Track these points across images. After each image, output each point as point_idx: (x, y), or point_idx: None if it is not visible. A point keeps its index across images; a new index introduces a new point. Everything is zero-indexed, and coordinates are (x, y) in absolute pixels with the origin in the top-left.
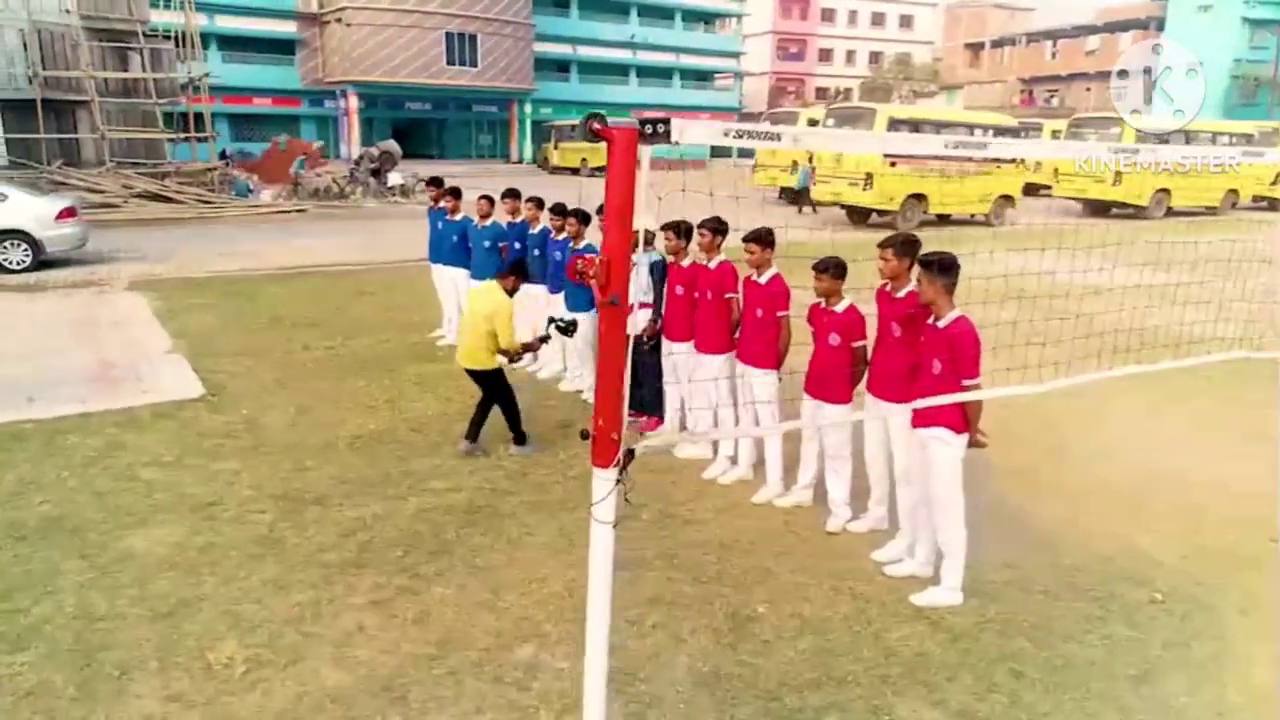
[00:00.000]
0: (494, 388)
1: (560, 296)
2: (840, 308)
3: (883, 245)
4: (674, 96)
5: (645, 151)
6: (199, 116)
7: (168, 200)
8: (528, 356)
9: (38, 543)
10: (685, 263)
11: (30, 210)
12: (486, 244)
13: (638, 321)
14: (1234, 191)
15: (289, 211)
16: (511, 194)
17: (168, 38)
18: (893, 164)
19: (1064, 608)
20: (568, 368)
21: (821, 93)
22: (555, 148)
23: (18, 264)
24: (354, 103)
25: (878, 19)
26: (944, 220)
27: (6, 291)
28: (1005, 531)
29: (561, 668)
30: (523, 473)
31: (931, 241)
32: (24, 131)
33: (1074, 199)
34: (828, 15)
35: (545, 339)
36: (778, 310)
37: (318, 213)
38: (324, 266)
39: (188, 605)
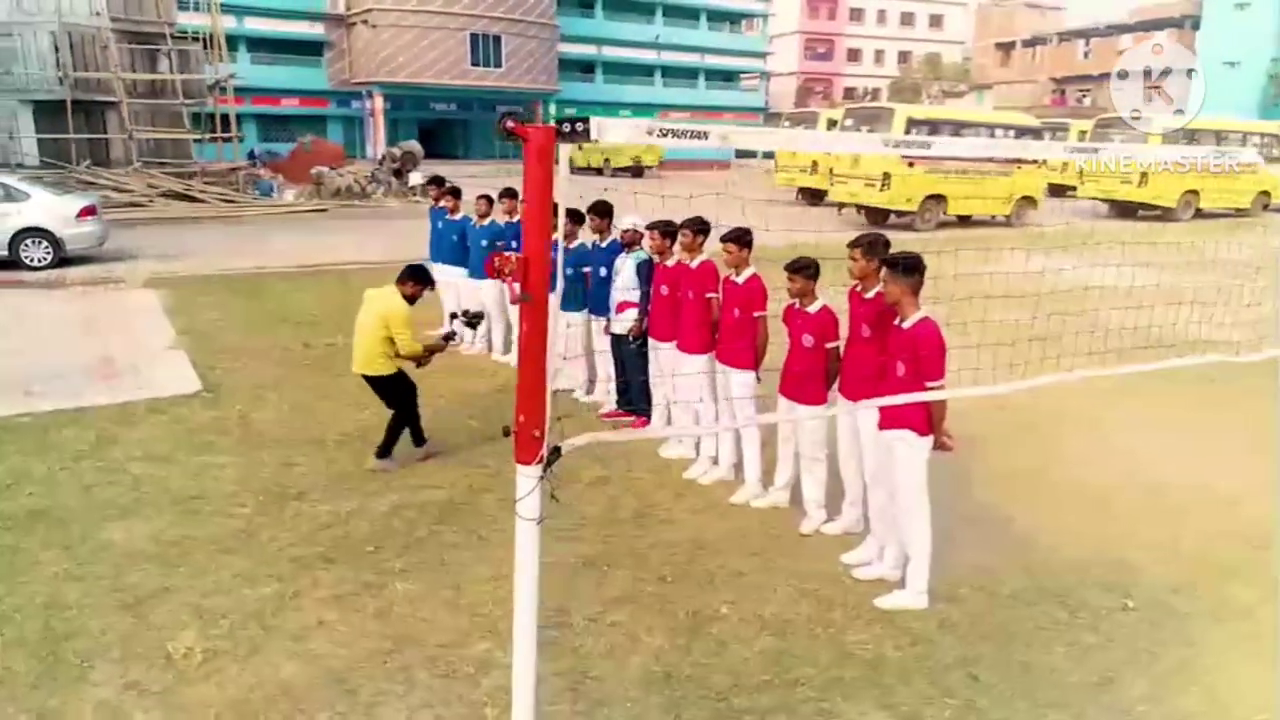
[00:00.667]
0: (392, 394)
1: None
2: (813, 308)
3: (852, 245)
4: (699, 97)
5: (564, 151)
6: (225, 117)
7: (191, 199)
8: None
9: (21, 534)
10: (670, 262)
11: (51, 209)
12: (484, 243)
13: (623, 321)
14: (1265, 193)
15: (310, 211)
16: (509, 194)
17: (196, 39)
18: (910, 164)
19: (1031, 613)
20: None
21: (849, 93)
22: (579, 148)
23: (39, 261)
24: (379, 103)
25: (907, 19)
26: (965, 221)
27: (26, 288)
28: (982, 536)
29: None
30: (498, 471)
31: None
32: (55, 132)
33: (1100, 200)
34: (856, 15)
35: (451, 336)
36: (755, 310)
37: (338, 212)
38: (338, 265)
39: (156, 596)
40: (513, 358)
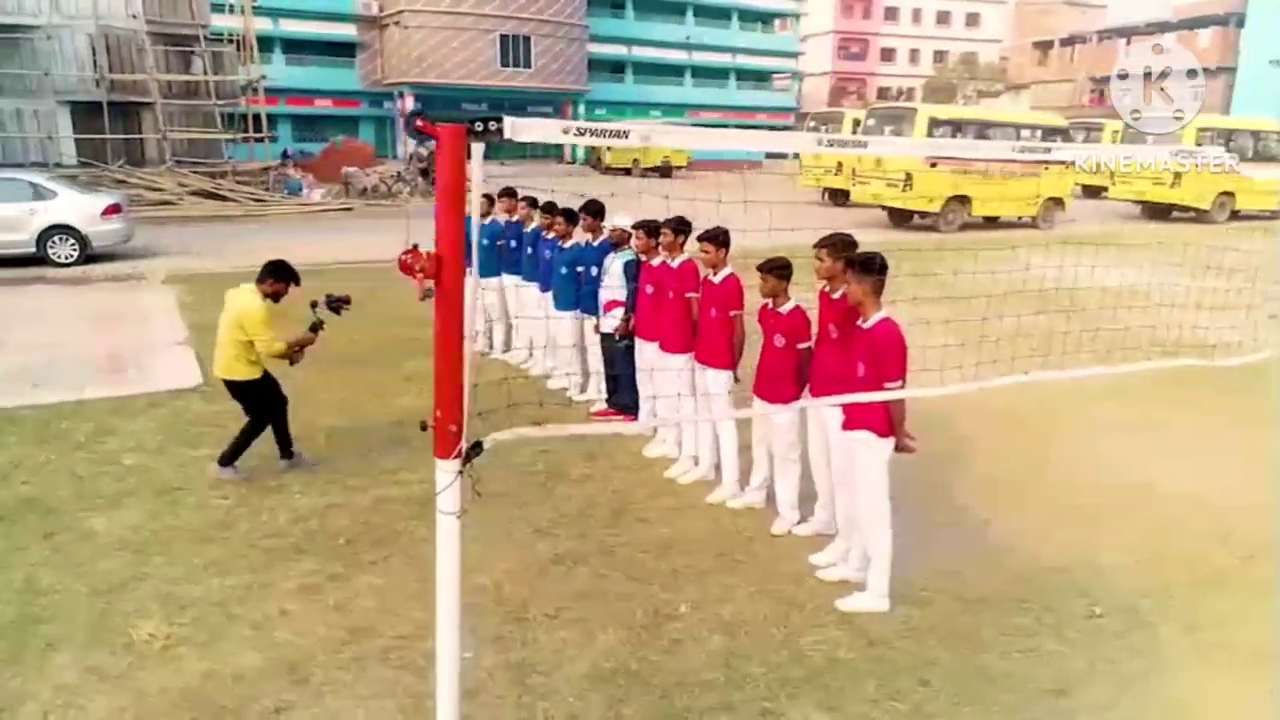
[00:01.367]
0: (252, 401)
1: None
2: (785, 309)
3: (818, 245)
4: (729, 97)
5: (477, 149)
6: (257, 117)
7: (221, 198)
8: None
9: (9, 521)
10: (655, 261)
11: (77, 207)
12: (484, 242)
13: (610, 320)
14: None
15: (336, 210)
16: (508, 193)
17: (230, 41)
18: (933, 165)
19: (995, 618)
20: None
21: (883, 92)
22: (608, 148)
23: (66, 258)
24: (410, 104)
25: (943, 17)
26: (991, 223)
27: (51, 284)
28: (957, 539)
29: (465, 658)
30: (483, 466)
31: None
32: (92, 132)
33: (1131, 201)
34: (891, 14)
35: (318, 326)
36: (730, 310)
37: (364, 211)
38: (358, 263)
39: (128, 584)
40: (511, 356)
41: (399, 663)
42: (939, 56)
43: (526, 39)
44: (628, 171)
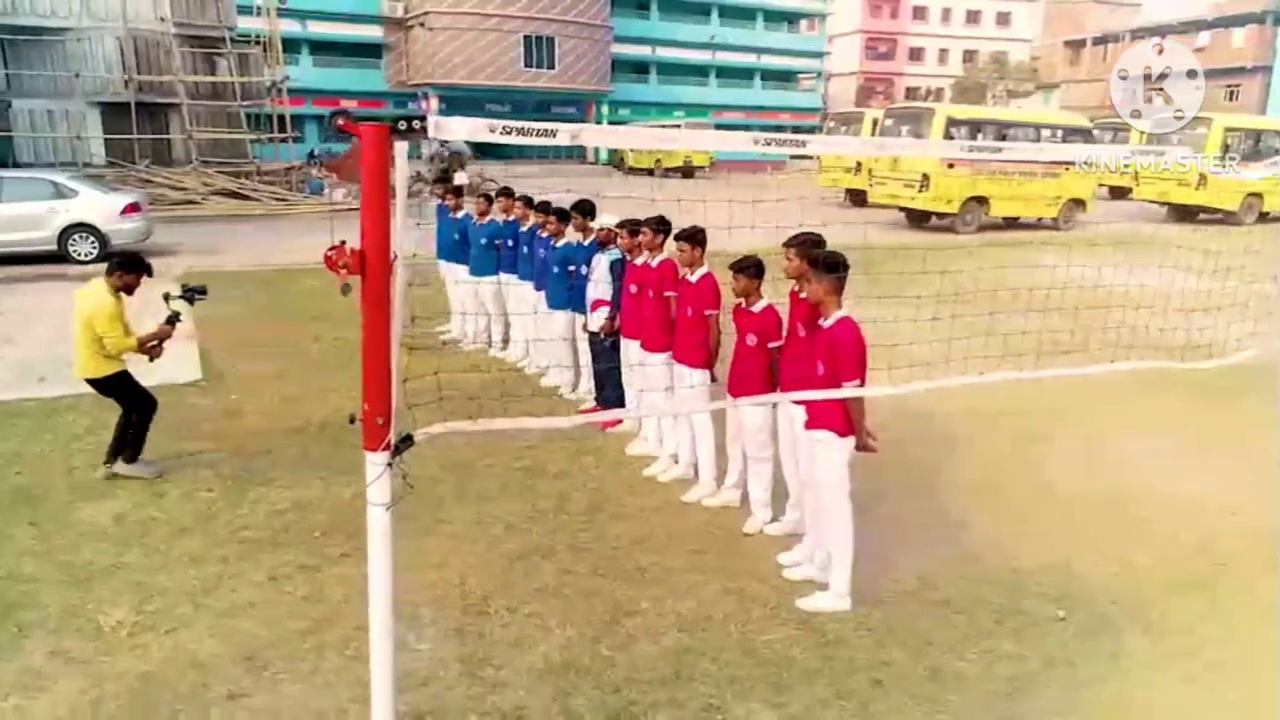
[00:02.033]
0: (122, 393)
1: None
2: (757, 308)
3: (786, 244)
4: (754, 97)
5: (401, 150)
6: (282, 118)
7: (244, 198)
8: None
9: (1, 511)
10: (639, 261)
11: (97, 205)
12: (483, 241)
13: (596, 318)
14: None
15: (356, 209)
16: (505, 193)
17: (258, 43)
18: (950, 165)
19: (957, 620)
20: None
21: (911, 93)
22: (630, 149)
23: (85, 255)
24: (434, 104)
25: (973, 16)
26: (1012, 224)
27: (70, 281)
28: (931, 541)
29: (420, 649)
30: (466, 462)
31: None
32: (120, 132)
33: (1156, 203)
34: (919, 13)
35: (175, 318)
36: (706, 309)
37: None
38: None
39: (105, 572)
40: (510, 353)
41: (355, 653)
42: (968, 56)
43: (550, 40)
44: (650, 172)
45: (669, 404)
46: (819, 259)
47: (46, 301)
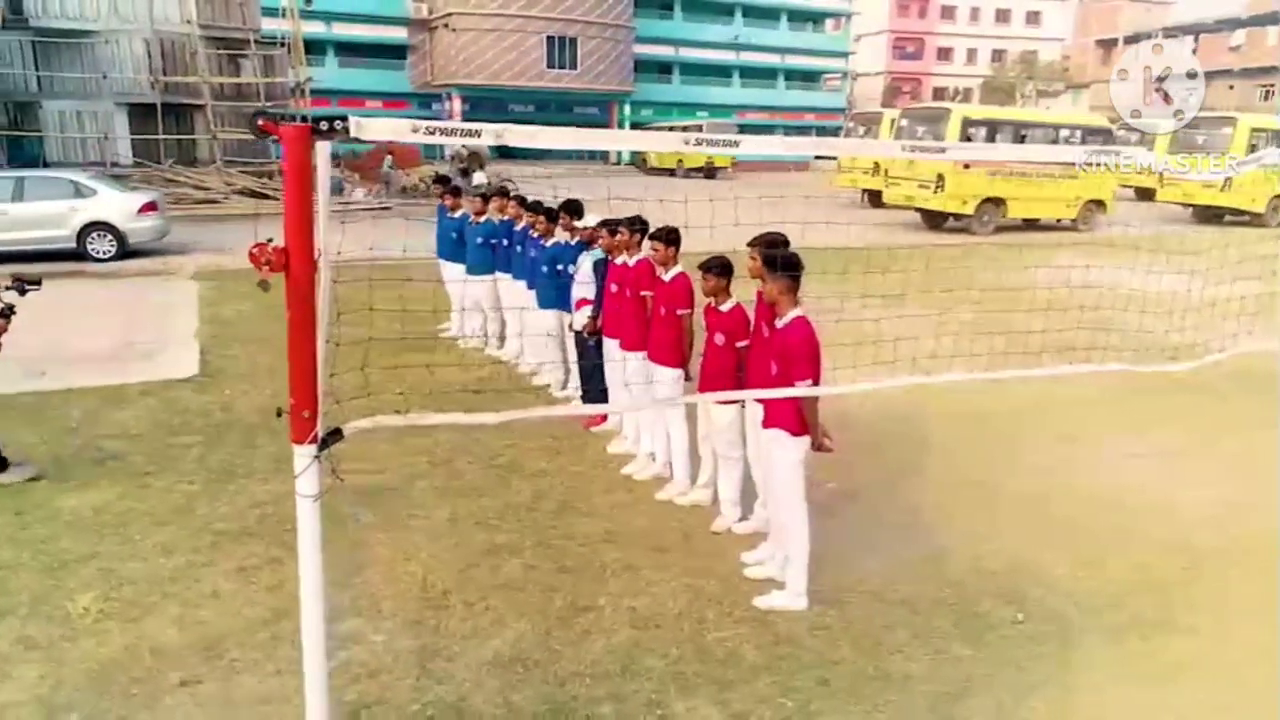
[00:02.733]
0: None
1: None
2: (726, 307)
3: (750, 244)
4: (777, 98)
5: (323, 150)
6: (305, 118)
7: (264, 197)
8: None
9: None
10: (620, 260)
11: (115, 204)
12: (479, 240)
13: (579, 317)
14: None
15: (375, 209)
16: (501, 192)
17: (283, 45)
18: (966, 166)
19: (913, 621)
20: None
21: (939, 93)
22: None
23: (104, 253)
24: (457, 105)
25: (1002, 15)
26: (1030, 225)
27: (87, 278)
28: (901, 542)
29: (376, 640)
30: (447, 459)
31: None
32: (146, 133)
33: (1181, 204)
34: (947, 13)
35: (9, 311)
36: (678, 309)
37: (401, 210)
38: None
39: (79, 561)
40: (506, 351)
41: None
42: (997, 56)
43: (573, 40)
44: (671, 172)
45: (631, 400)
46: (773, 259)
47: (59, 298)
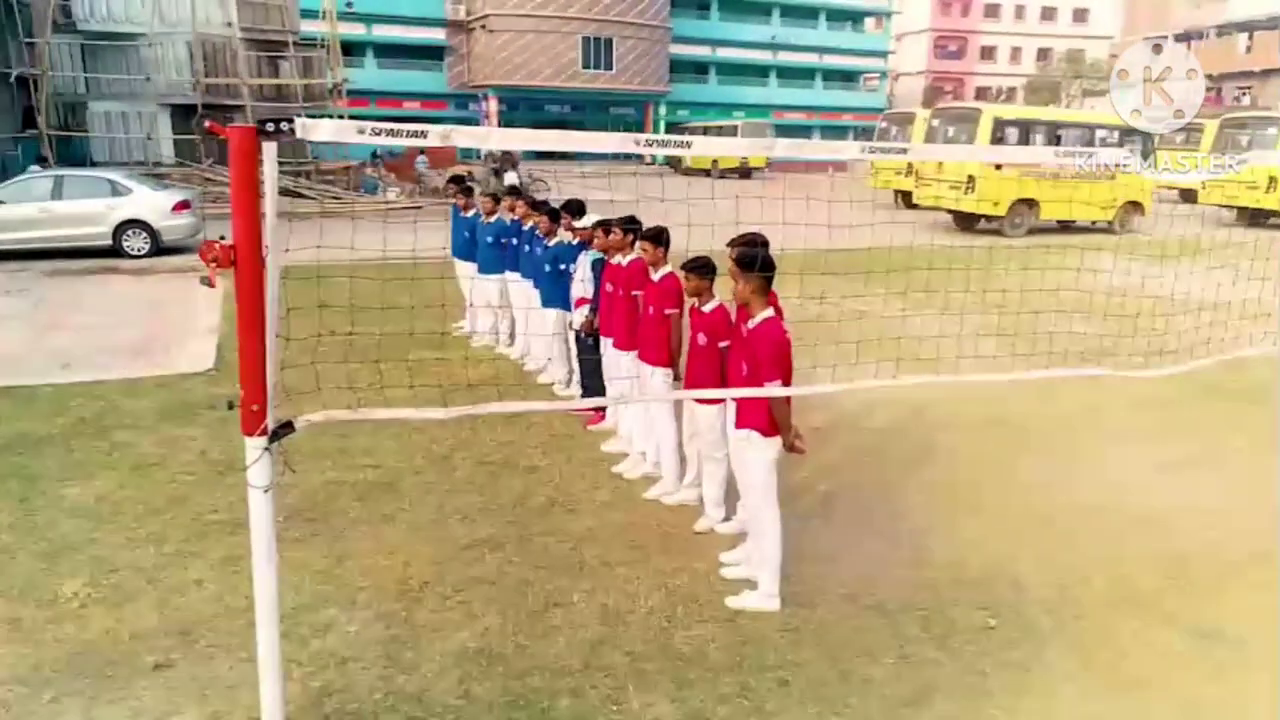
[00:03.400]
0: None
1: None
2: (708, 307)
3: (730, 244)
4: (815, 98)
5: (269, 150)
6: (341, 118)
7: (300, 196)
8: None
9: None
10: (615, 260)
11: (150, 203)
12: (489, 239)
13: (577, 317)
14: None
15: (407, 208)
16: (512, 192)
17: (322, 46)
18: (998, 167)
19: (883, 625)
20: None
21: (982, 92)
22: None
23: (138, 250)
24: (494, 105)
25: (1048, 14)
26: (1065, 227)
27: (120, 274)
28: (885, 545)
29: (349, 630)
30: (445, 455)
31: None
32: (188, 133)
33: (1224, 206)
34: (991, 11)
35: None
36: (666, 308)
37: (433, 210)
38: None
39: (74, 547)
40: (515, 349)
41: (284, 632)
42: (1042, 54)
43: (608, 41)
44: (706, 173)
45: (641, 409)
46: (743, 259)
47: (91, 293)
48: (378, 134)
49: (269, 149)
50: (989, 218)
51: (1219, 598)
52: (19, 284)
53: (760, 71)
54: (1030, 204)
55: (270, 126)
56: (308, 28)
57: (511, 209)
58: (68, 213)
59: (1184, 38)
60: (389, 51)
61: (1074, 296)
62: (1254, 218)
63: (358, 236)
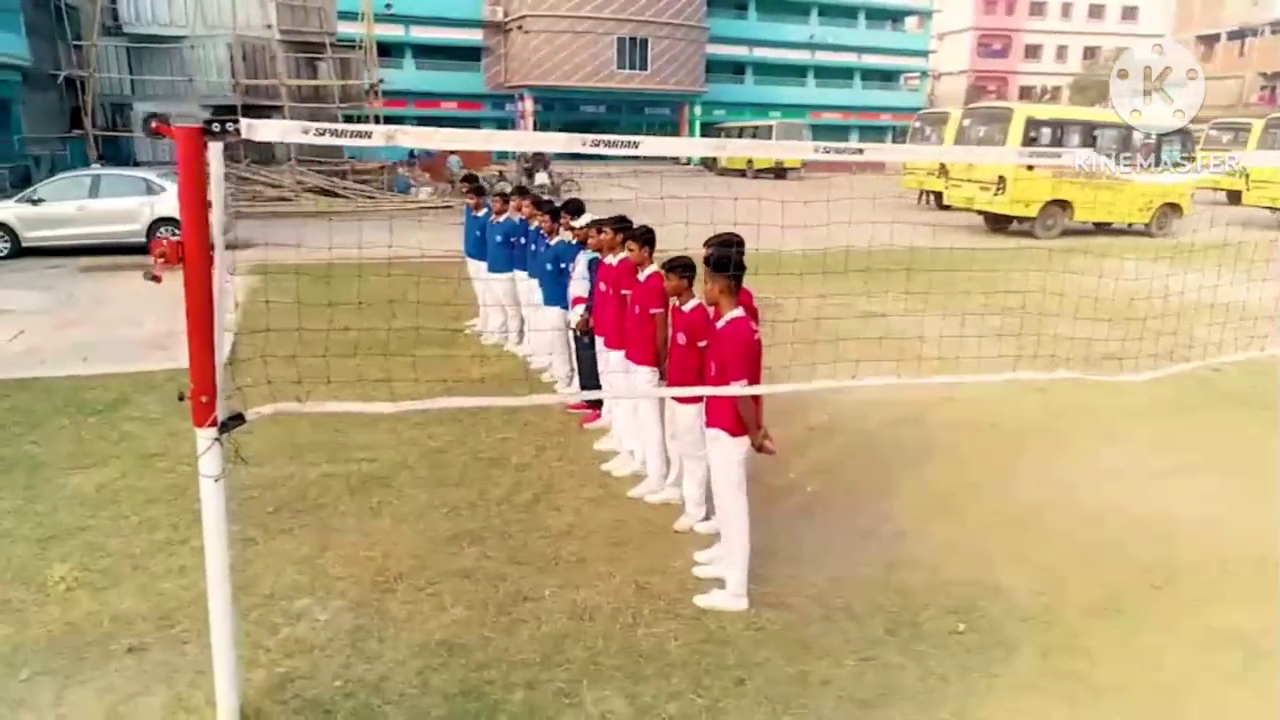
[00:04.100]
0: None
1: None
2: (688, 307)
3: (707, 244)
4: (853, 98)
5: (216, 150)
6: (377, 118)
7: (334, 195)
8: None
9: (1, 474)
10: (607, 260)
11: None
12: (498, 239)
13: (573, 316)
14: None
15: (437, 207)
16: (520, 192)
17: (359, 48)
18: (1030, 167)
19: (850, 628)
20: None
21: (1026, 92)
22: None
23: None
24: (529, 106)
25: (1095, 11)
26: (1102, 229)
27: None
28: (865, 547)
29: (320, 619)
30: (440, 450)
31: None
32: None
33: (1269, 209)
34: (1036, 9)
35: None
36: (651, 308)
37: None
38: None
39: (69, 533)
40: (523, 347)
41: (256, 619)
42: (1089, 53)
43: (644, 41)
44: (742, 173)
45: (628, 409)
46: (712, 259)
47: (119, 289)
48: (320, 134)
49: (215, 148)
50: (1020, 219)
51: (1204, 608)
52: (51, 280)
53: (798, 71)
54: (1063, 205)
55: (215, 127)
56: (346, 29)
57: (518, 208)
58: (104, 210)
59: (1237, 35)
60: (427, 53)
61: (1086, 299)
62: None
63: (377, 235)
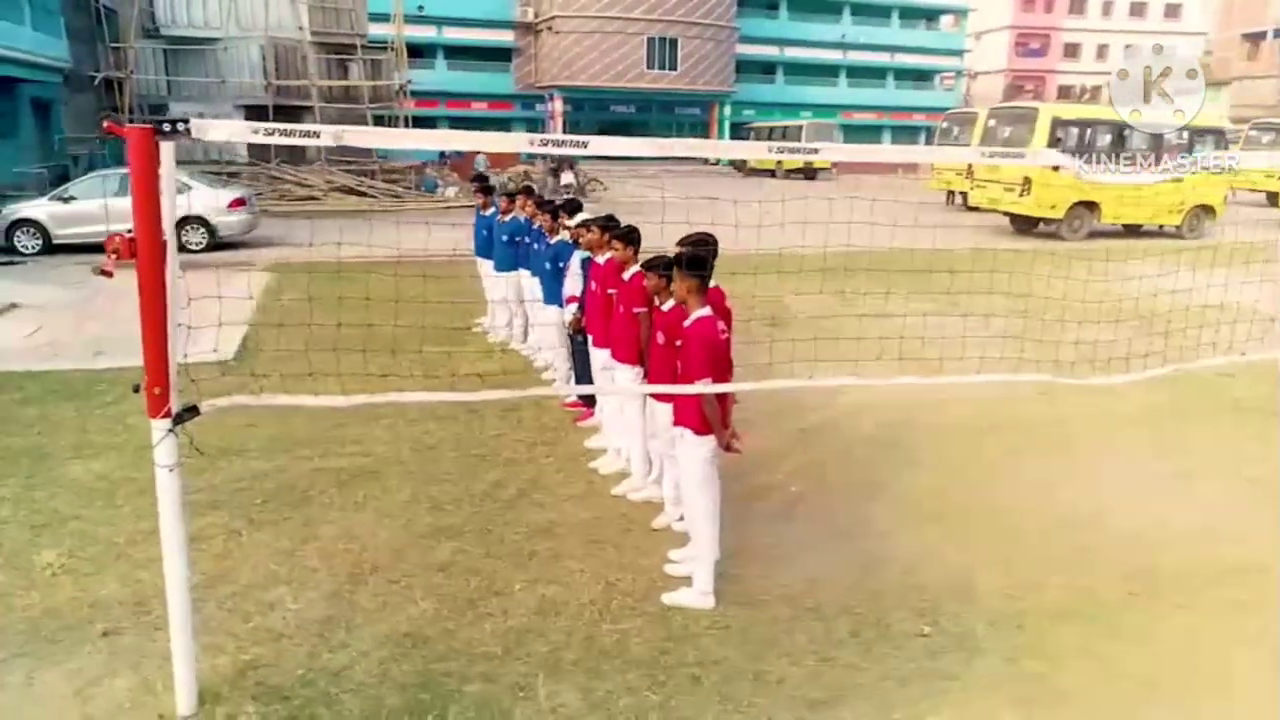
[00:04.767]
0: None
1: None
2: (666, 306)
3: (680, 243)
4: (886, 97)
5: (167, 150)
6: (407, 119)
7: (361, 194)
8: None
9: (5, 463)
10: (596, 259)
11: (207, 199)
12: (504, 238)
13: (566, 314)
14: None
15: (462, 207)
16: (526, 191)
17: (390, 49)
18: (1055, 168)
19: (815, 628)
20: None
21: (1065, 91)
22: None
23: (195, 245)
24: (559, 106)
25: (1137, 10)
26: (1132, 231)
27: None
28: (841, 548)
29: (292, 609)
30: (432, 445)
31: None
32: None
33: None
34: (1076, 7)
35: None
36: (634, 307)
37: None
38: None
39: (63, 520)
40: (525, 346)
41: (231, 607)
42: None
43: (673, 41)
44: (771, 174)
45: (614, 409)
46: (680, 259)
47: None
48: (270, 134)
49: (167, 149)
50: (1046, 221)
51: (1178, 614)
52: (78, 276)
53: (829, 71)
54: (1090, 207)
55: (166, 127)
56: (377, 30)
57: (522, 207)
58: (130, 208)
59: None
60: (458, 53)
61: (1094, 303)
62: None
63: (390, 234)
